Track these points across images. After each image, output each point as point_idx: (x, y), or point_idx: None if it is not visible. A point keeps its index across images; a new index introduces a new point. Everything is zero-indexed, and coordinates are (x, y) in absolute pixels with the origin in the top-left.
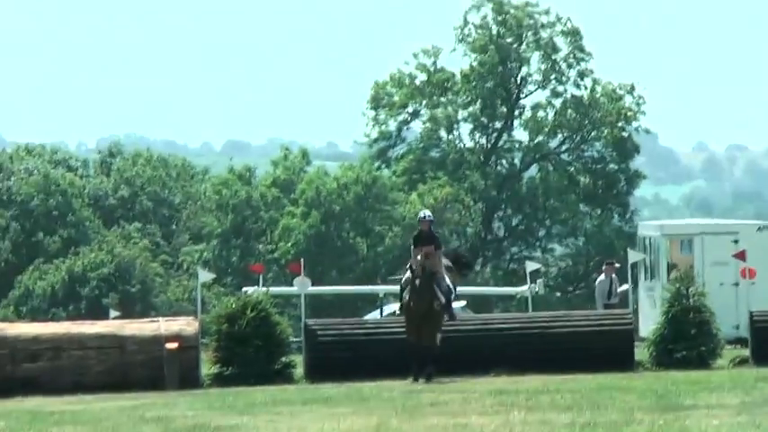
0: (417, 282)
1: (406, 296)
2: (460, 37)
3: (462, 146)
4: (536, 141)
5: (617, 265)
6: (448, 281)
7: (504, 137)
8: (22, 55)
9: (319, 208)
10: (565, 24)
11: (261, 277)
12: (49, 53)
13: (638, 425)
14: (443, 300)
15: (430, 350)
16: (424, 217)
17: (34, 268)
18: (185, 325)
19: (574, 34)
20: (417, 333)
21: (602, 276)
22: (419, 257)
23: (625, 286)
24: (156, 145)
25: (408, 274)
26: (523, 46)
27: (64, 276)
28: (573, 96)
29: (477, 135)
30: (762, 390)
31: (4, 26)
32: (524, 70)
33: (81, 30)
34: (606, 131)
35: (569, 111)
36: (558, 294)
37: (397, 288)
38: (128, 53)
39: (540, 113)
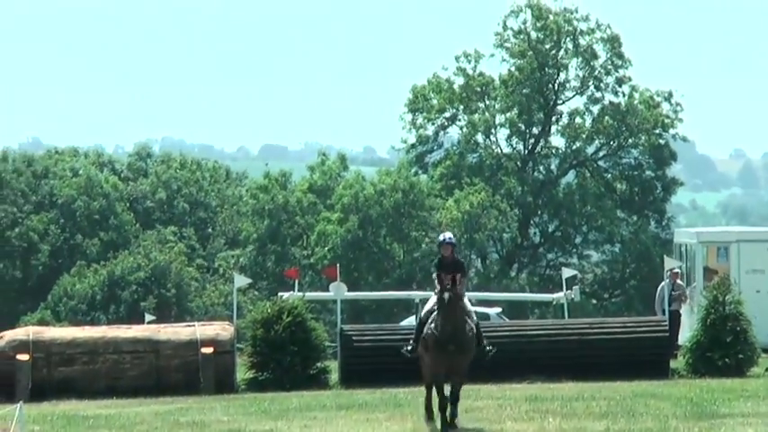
0: (446, 299)
1: (432, 325)
2: (499, 42)
3: (499, 151)
4: (573, 148)
5: (677, 271)
6: (473, 315)
7: (542, 143)
8: (62, 59)
9: (357, 213)
10: (604, 31)
11: (296, 282)
12: (86, 56)
13: None
14: (474, 328)
15: (457, 390)
16: (444, 240)
17: (74, 271)
18: (221, 330)
19: (613, 41)
20: (448, 366)
21: (666, 281)
22: (445, 294)
23: (690, 287)
24: (192, 149)
25: (430, 303)
26: (562, 52)
27: (104, 280)
28: (610, 103)
29: (515, 141)
30: None
31: (38, 30)
32: (562, 76)
33: (117, 32)
34: (643, 138)
35: (606, 117)
36: (594, 301)
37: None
38: (164, 58)
39: (578, 120)
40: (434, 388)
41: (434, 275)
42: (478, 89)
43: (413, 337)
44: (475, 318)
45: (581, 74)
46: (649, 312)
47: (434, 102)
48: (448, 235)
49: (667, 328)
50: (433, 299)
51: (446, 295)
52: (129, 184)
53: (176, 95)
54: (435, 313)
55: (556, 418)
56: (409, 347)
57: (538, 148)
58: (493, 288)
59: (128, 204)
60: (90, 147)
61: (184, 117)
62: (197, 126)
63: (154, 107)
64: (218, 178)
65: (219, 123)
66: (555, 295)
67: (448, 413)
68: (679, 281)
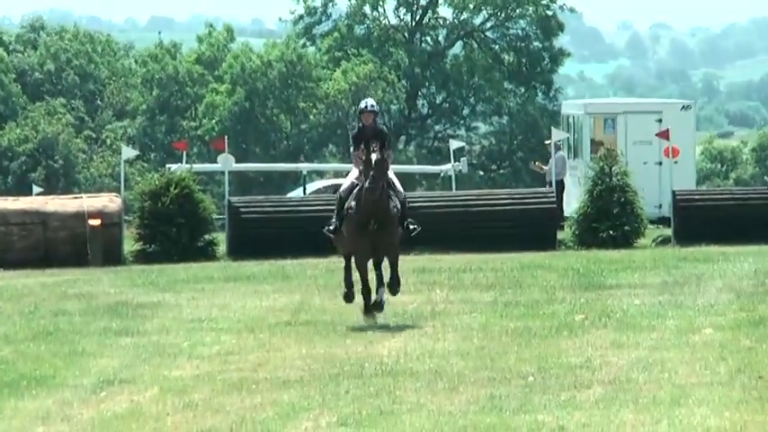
0: (374, 161)
1: (353, 203)
2: None
3: (387, 23)
4: (461, 18)
5: (557, 143)
6: (400, 188)
7: (429, 14)
8: None
9: (244, 85)
10: None
11: (185, 154)
12: None
13: (559, 304)
14: (398, 205)
15: (394, 268)
16: (367, 107)
17: None
18: (108, 202)
19: None
20: (372, 247)
21: (558, 154)
22: (372, 155)
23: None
24: (79, 21)
25: (350, 179)
26: None
27: None
28: None
29: (402, 12)
30: (683, 269)
31: None
32: None
33: None
34: (531, 9)
35: None
36: (482, 173)
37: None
38: None
39: None
40: (359, 270)
41: (352, 149)
42: None
43: (334, 215)
44: (402, 194)
45: None
46: (540, 184)
47: None
48: (370, 102)
49: (554, 199)
50: (353, 174)
51: (374, 156)
52: (17, 56)
53: None
54: (357, 189)
55: (443, 289)
56: (331, 227)
57: (425, 20)
58: None
59: (15, 76)
60: None
61: None
62: None
63: None
64: (110, 51)
65: None
66: (443, 167)
67: (377, 295)
68: (560, 152)
